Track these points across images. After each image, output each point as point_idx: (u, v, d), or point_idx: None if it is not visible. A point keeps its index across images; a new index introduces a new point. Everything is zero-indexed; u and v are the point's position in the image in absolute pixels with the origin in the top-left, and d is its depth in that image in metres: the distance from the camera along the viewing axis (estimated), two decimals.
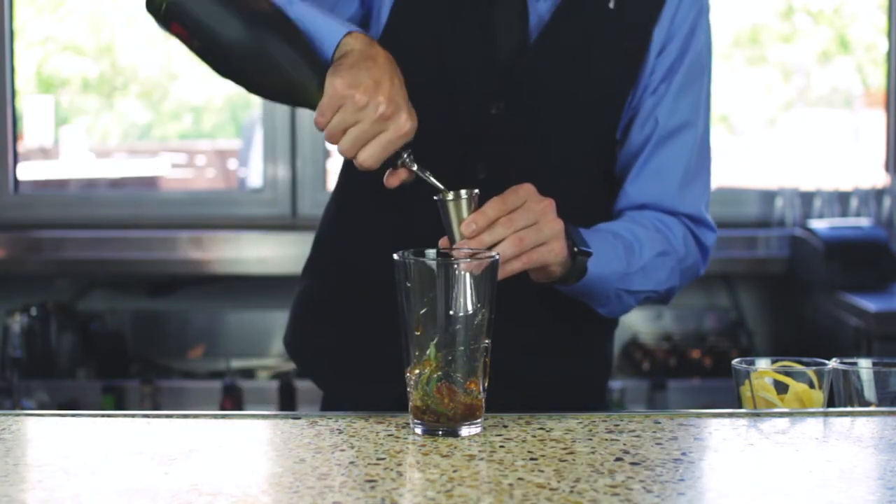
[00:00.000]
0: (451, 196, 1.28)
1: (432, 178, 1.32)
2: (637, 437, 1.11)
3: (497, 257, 1.14)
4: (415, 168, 1.33)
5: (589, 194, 1.59)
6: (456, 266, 1.11)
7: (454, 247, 1.27)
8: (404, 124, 1.30)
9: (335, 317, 1.61)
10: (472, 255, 1.14)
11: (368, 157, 1.30)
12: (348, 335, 1.60)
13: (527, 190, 1.31)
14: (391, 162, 1.33)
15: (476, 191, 1.29)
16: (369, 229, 1.58)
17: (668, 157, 1.58)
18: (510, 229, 1.28)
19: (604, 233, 1.48)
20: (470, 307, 1.10)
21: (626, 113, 1.58)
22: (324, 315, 1.63)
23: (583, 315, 1.53)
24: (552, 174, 1.51)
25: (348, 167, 1.63)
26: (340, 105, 1.28)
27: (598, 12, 1.53)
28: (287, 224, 3.47)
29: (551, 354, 1.58)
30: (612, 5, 1.53)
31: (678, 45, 1.56)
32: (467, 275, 1.10)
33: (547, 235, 1.31)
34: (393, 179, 1.34)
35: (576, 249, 1.37)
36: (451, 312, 1.10)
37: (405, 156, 1.32)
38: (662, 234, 1.55)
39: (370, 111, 1.28)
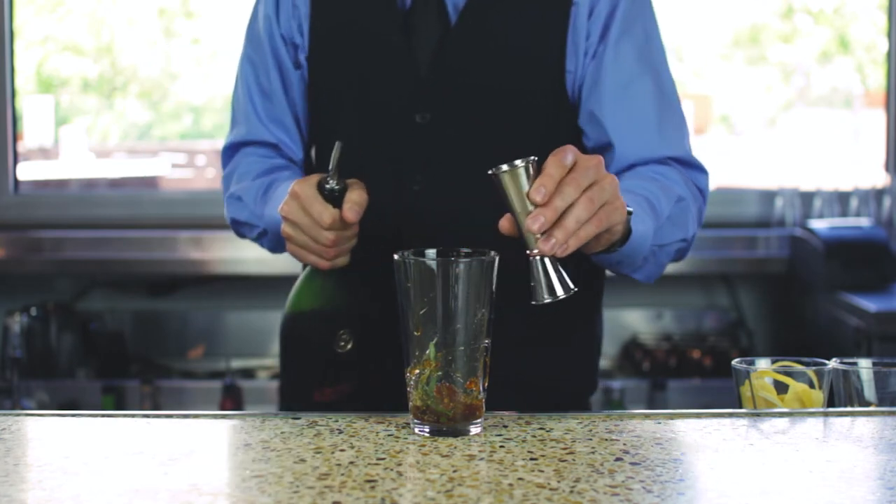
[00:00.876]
0: (505, 168, 1.15)
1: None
2: (637, 437, 1.11)
3: (496, 257, 1.13)
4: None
5: None
6: (456, 266, 1.11)
7: (530, 220, 1.14)
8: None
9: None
10: (471, 255, 1.14)
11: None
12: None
13: (571, 149, 1.19)
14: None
15: (534, 158, 1.17)
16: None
17: (632, 112, 1.54)
18: (578, 190, 1.16)
19: (623, 192, 1.42)
20: (469, 307, 1.10)
21: (572, 86, 1.56)
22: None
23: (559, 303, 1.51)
24: None
25: None
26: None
27: None
28: None
29: (536, 345, 1.57)
30: None
31: (607, 4, 1.55)
32: (467, 275, 1.10)
33: (610, 193, 1.20)
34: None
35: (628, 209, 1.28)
36: (451, 312, 1.10)
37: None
38: (666, 184, 1.50)
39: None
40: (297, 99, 1.66)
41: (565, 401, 1.63)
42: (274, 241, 1.59)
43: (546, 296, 1.17)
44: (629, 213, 1.28)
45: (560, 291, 1.17)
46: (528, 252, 1.16)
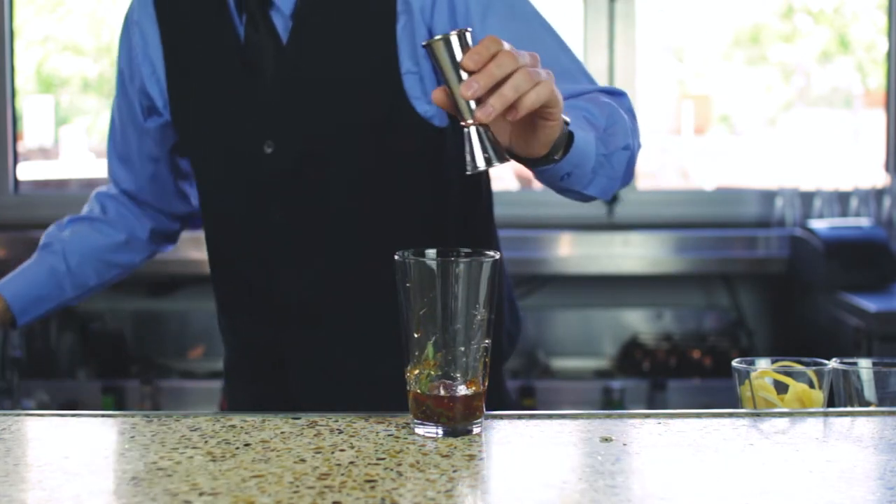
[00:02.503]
0: (439, 37, 1.12)
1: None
2: (637, 437, 1.11)
3: (497, 257, 1.13)
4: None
5: (433, 193, 1.56)
6: (456, 266, 1.11)
7: (463, 87, 1.10)
8: None
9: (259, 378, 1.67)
10: (471, 255, 1.14)
11: None
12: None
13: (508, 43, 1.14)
14: None
15: (469, 28, 1.13)
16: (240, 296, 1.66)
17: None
18: (516, 63, 1.09)
19: (576, 114, 1.34)
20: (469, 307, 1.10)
21: (424, 83, 1.52)
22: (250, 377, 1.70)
23: None
24: (363, 195, 1.52)
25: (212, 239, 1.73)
26: None
27: None
28: None
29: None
30: None
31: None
32: (467, 274, 1.10)
33: (547, 76, 1.13)
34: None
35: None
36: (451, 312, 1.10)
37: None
38: (592, 100, 1.41)
39: None
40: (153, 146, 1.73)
41: None
42: None
43: (481, 164, 1.13)
44: (566, 122, 1.23)
45: (495, 160, 1.13)
46: (461, 123, 1.13)
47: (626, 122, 1.41)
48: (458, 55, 1.11)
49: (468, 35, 1.13)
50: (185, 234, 2.23)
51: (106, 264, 1.78)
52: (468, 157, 1.14)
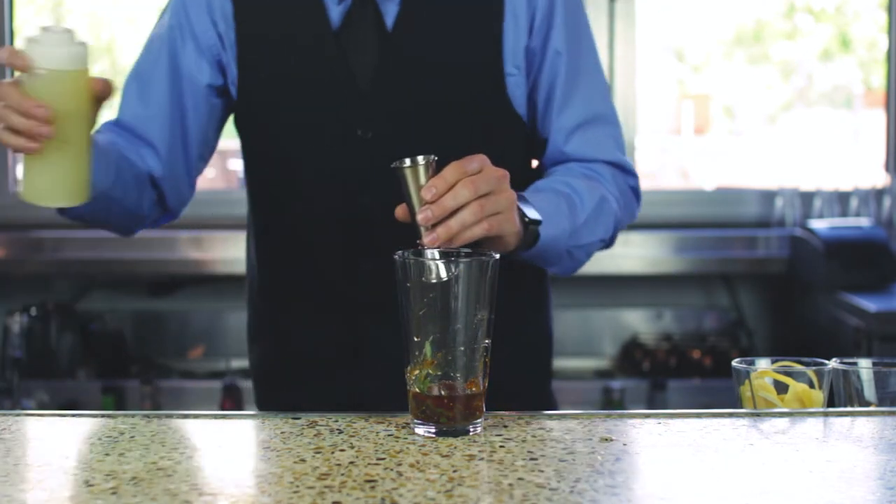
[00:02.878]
0: (408, 163, 1.25)
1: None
2: (637, 437, 1.11)
3: (497, 257, 1.14)
4: None
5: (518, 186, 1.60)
6: (456, 266, 1.11)
7: (420, 214, 1.24)
8: None
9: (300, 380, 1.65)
10: (471, 255, 1.14)
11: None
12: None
13: (481, 159, 1.29)
14: None
15: (434, 157, 1.27)
16: (297, 296, 1.63)
17: (577, 104, 1.59)
18: (474, 193, 1.25)
19: (545, 192, 1.49)
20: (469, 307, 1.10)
21: (518, 88, 1.56)
22: (289, 381, 1.68)
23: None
24: None
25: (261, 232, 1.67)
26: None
27: None
28: None
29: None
30: None
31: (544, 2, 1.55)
32: (467, 275, 1.10)
33: (503, 205, 1.29)
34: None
35: (527, 220, 1.37)
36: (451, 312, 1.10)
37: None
38: (594, 180, 1.55)
39: None
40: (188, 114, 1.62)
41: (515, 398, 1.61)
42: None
43: (432, 279, 1.14)
44: (538, 223, 1.39)
45: (443, 277, 1.14)
46: (417, 241, 1.24)
47: (614, 213, 1.54)
48: (423, 183, 1.25)
49: (432, 165, 1.26)
50: (185, 234, 2.28)
51: (136, 167, 1.60)
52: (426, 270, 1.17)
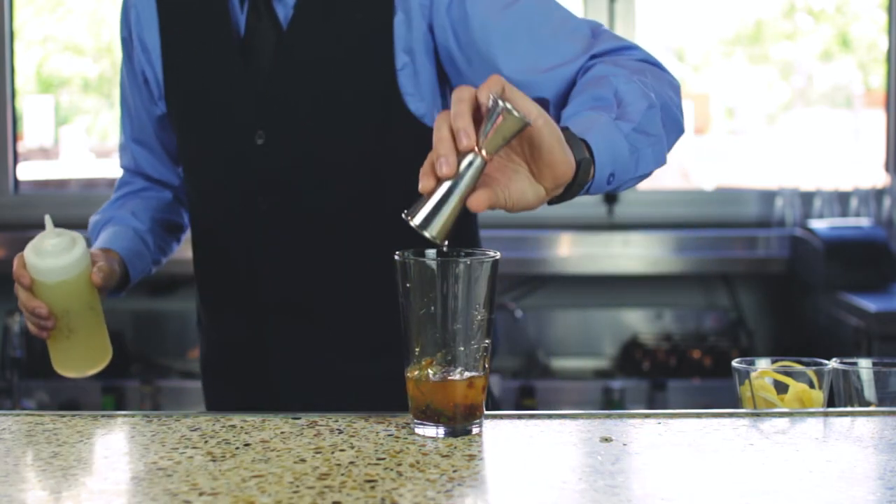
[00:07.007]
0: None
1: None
2: (637, 437, 1.11)
3: (497, 257, 1.13)
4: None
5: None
6: (456, 266, 1.11)
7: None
8: None
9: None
10: (471, 255, 1.14)
11: None
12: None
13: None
14: None
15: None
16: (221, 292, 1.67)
17: (519, 35, 1.44)
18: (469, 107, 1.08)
19: (573, 117, 1.27)
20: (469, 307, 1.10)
21: (419, 77, 1.50)
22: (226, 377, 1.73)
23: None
24: (352, 190, 1.52)
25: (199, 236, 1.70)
26: None
27: None
28: None
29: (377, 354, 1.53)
30: None
31: None
32: (467, 275, 1.10)
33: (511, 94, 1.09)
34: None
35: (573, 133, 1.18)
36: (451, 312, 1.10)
37: None
38: (585, 86, 1.34)
39: None
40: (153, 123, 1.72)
41: None
42: None
43: (418, 221, 1.08)
44: (569, 132, 1.17)
45: (433, 231, 1.08)
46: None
47: (636, 85, 1.32)
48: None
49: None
50: (186, 234, 2.23)
51: (169, 223, 1.77)
52: (417, 206, 1.09)
